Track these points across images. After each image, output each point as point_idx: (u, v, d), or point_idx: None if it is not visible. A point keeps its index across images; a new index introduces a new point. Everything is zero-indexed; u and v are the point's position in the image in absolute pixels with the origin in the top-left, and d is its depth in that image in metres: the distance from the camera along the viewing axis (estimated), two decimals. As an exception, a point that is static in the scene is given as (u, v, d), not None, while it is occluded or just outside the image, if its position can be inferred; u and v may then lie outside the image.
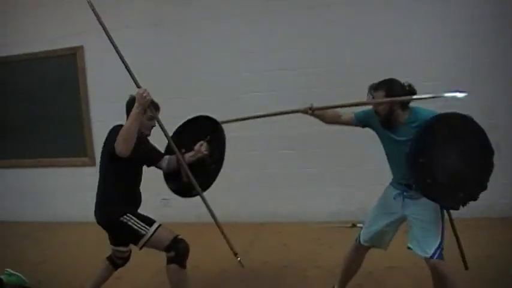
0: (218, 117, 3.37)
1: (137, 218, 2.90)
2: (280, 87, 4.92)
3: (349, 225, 4.67)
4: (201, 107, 3.86)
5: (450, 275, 2.59)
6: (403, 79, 2.68)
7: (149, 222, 2.92)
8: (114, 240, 3.16)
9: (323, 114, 3.03)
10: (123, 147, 2.68)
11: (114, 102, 5.49)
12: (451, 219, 2.87)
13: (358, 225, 4.62)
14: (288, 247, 4.29)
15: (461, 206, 2.48)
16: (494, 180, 2.48)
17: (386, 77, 2.68)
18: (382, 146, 2.83)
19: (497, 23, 4.46)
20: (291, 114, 3.17)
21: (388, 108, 2.63)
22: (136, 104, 2.74)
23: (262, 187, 5.12)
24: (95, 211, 2.99)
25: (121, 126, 2.82)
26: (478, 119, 2.48)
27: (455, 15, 4.56)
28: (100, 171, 3.00)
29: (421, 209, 2.68)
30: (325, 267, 3.75)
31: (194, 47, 5.17)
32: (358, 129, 3.01)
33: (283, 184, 5.07)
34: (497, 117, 4.46)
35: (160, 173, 3.28)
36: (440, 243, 2.61)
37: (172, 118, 3.30)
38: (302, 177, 5.03)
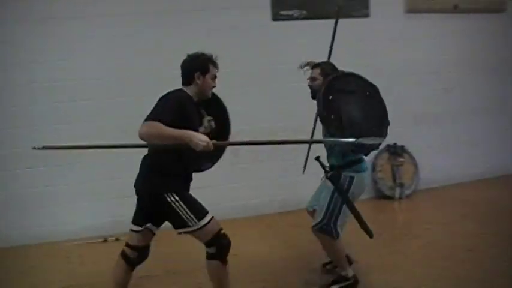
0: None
1: (186, 206, 2.72)
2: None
3: (101, 239, 4.77)
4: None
5: (327, 242, 3.30)
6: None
7: (201, 215, 2.74)
8: (144, 217, 2.86)
9: None
10: (146, 135, 2.57)
11: None
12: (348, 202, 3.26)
13: (110, 239, 4.76)
14: (37, 269, 4.15)
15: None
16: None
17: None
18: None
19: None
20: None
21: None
22: (188, 138, 2.56)
23: (11, 208, 4.79)
24: (137, 179, 2.85)
25: (177, 95, 2.78)
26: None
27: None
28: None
29: (324, 189, 3.38)
30: (77, 285, 3.77)
31: None
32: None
33: (32, 203, 4.85)
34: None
35: None
36: (323, 220, 3.26)
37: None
38: (51, 194, 4.91)
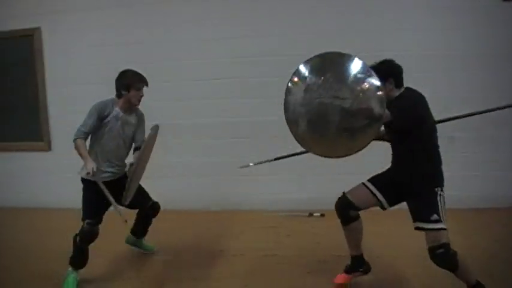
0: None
1: (443, 205, 2.73)
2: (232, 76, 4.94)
3: (307, 214, 4.72)
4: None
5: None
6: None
7: (444, 218, 2.71)
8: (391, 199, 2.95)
9: None
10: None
11: (75, 84, 5.35)
12: None
13: (315, 214, 4.67)
14: (245, 235, 4.29)
15: None
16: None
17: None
18: None
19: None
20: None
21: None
22: None
23: (209, 174, 5.12)
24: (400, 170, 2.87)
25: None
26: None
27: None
28: (402, 140, 2.81)
29: None
30: (283, 255, 3.75)
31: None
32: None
33: (245, 174, 5.02)
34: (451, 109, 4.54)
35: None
36: None
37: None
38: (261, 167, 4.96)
